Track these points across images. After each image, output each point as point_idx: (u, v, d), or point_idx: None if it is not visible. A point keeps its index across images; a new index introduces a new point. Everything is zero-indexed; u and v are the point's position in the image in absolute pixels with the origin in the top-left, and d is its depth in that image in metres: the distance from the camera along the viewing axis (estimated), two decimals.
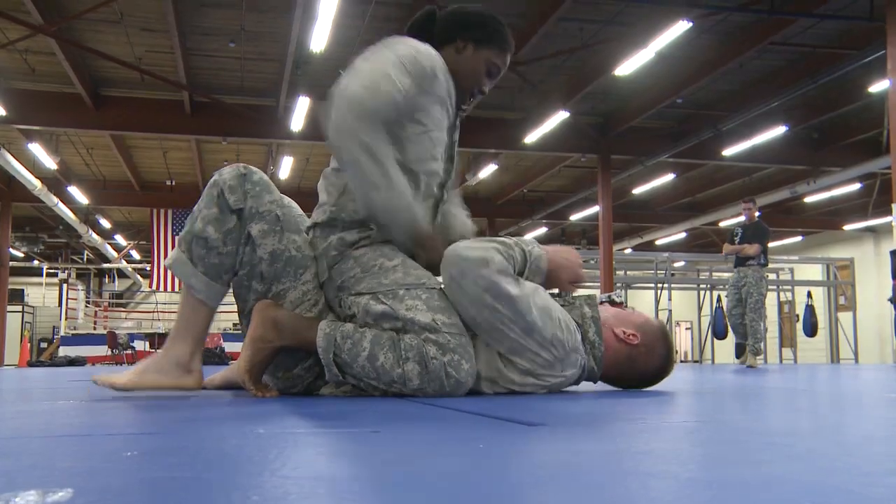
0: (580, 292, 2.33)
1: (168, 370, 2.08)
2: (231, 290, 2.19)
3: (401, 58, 2.07)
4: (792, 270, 18.00)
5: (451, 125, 2.31)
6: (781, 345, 18.11)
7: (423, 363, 1.98)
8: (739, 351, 8.84)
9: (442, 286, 2.12)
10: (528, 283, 2.08)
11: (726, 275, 16.41)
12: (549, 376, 2.07)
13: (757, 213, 9.09)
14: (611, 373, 2.27)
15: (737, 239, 8.89)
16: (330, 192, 2.21)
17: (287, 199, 2.21)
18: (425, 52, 2.13)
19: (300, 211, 2.54)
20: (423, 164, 2.19)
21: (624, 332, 2.24)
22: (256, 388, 2.07)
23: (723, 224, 21.68)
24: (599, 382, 2.31)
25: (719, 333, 15.61)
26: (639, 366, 2.27)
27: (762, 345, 9.05)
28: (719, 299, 17.28)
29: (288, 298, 2.11)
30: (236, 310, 2.24)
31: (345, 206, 2.16)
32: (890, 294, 11.05)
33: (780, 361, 17.56)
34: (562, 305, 2.17)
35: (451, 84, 2.21)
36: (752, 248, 8.74)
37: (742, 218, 9.09)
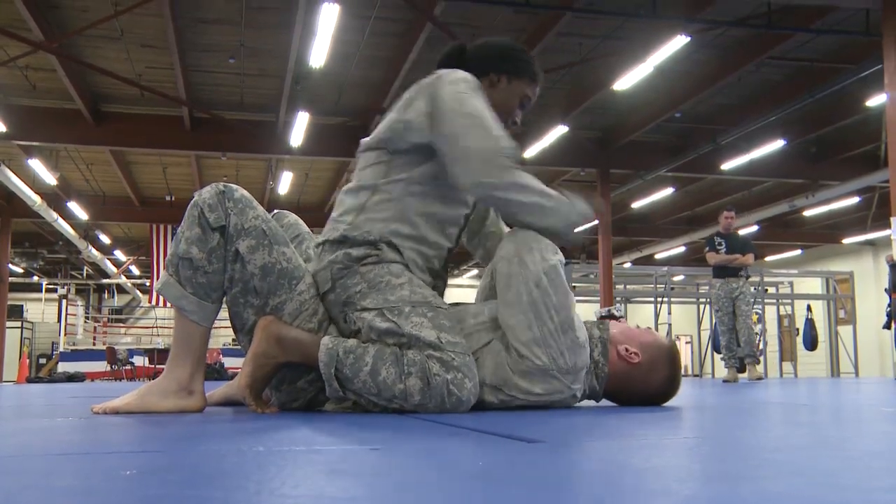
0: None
1: (169, 393, 2.07)
2: (227, 308, 2.20)
3: (475, 90, 2.18)
4: (791, 284, 17.99)
5: None
6: (782, 359, 18.08)
7: (426, 379, 1.97)
8: (740, 366, 8.59)
9: (444, 306, 2.13)
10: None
11: None
12: (558, 386, 2.06)
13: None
14: (610, 389, 2.27)
15: (721, 249, 8.59)
16: (346, 211, 2.23)
17: (267, 213, 2.21)
18: (467, 74, 2.22)
19: (294, 218, 2.54)
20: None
21: (626, 350, 2.24)
22: (257, 403, 2.07)
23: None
24: (603, 399, 2.31)
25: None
26: (637, 385, 2.26)
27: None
28: None
29: (286, 311, 2.10)
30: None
31: (359, 226, 2.18)
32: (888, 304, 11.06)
33: (781, 375, 17.53)
34: None
35: None
36: (748, 259, 8.55)
37: (718, 228, 8.79)
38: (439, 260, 2.29)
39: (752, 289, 8.89)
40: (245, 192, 2.15)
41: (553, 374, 2.05)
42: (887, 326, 11.29)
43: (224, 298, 2.15)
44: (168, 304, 18.88)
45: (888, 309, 11.26)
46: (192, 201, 2.12)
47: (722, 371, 18.48)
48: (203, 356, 2.14)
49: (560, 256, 2.10)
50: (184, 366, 2.09)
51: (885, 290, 11.22)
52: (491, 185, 2.09)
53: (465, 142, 2.10)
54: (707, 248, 8.74)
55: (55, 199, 17.44)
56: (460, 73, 2.20)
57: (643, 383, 2.26)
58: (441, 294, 2.28)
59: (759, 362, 8.48)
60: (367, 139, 2.30)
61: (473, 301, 2.41)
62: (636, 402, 2.31)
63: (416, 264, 2.20)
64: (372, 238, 2.15)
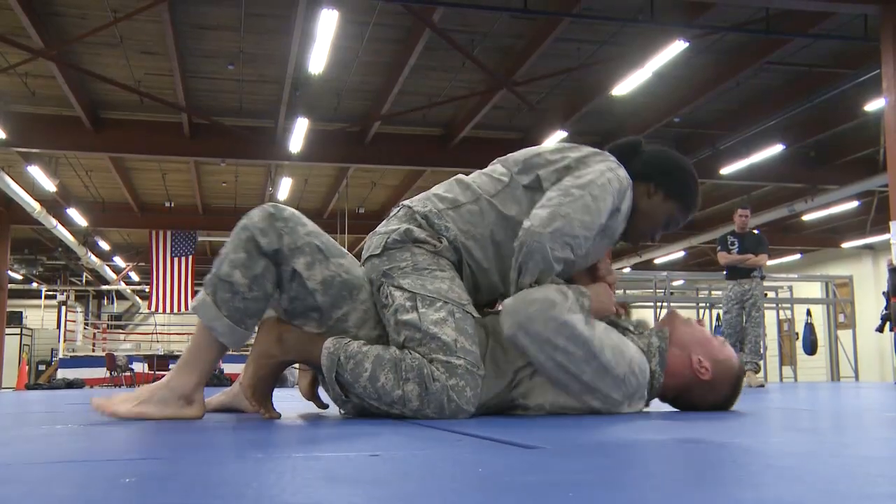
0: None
1: (170, 401, 2.06)
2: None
3: (620, 191, 2.19)
4: (791, 288, 17.98)
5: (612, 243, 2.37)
6: (781, 363, 18.06)
7: (423, 384, 1.97)
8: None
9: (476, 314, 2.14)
10: (598, 322, 2.11)
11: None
12: (620, 410, 2.10)
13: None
14: (667, 394, 2.28)
15: (734, 249, 8.19)
16: (445, 198, 2.23)
17: (318, 228, 2.18)
18: (627, 180, 2.24)
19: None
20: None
21: (700, 362, 2.23)
22: (260, 404, 2.06)
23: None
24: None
25: None
26: (694, 398, 2.28)
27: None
28: (718, 318, 17.25)
29: (350, 321, 2.09)
30: None
31: (444, 217, 2.19)
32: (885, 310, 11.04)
33: (781, 380, 17.51)
34: (632, 333, 2.21)
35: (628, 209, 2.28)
36: (762, 259, 8.14)
37: (732, 227, 8.46)
38: (488, 296, 2.29)
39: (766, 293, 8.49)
40: (293, 210, 2.13)
41: (608, 409, 2.09)
42: (880, 329, 11.26)
43: (284, 317, 2.13)
44: (168, 310, 18.79)
45: (883, 312, 11.23)
46: (240, 223, 2.09)
47: None
48: (210, 371, 2.13)
49: (566, 305, 2.04)
50: (189, 376, 2.08)
51: (884, 293, 11.19)
52: (545, 248, 2.06)
53: (571, 206, 2.10)
54: (719, 248, 8.38)
55: (54, 205, 17.43)
56: (623, 171, 2.22)
57: (700, 397, 2.27)
58: None
59: (759, 370, 8.22)
60: (509, 155, 2.32)
61: None
62: (684, 407, 2.32)
63: (468, 282, 2.20)
64: (445, 234, 2.17)
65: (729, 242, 8.28)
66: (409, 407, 1.99)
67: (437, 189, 2.30)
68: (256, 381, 2.07)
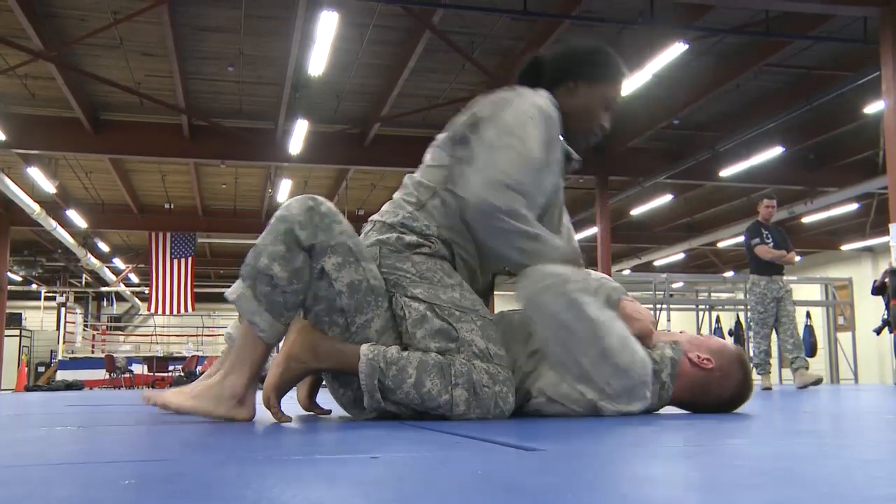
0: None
1: (223, 400, 2.03)
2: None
3: (544, 119, 2.15)
4: (790, 290, 17.99)
5: (561, 166, 2.33)
6: (781, 365, 18.06)
7: (473, 390, 1.97)
8: (760, 374, 7.63)
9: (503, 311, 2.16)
10: (609, 310, 2.09)
11: (724, 295, 16.41)
12: (612, 409, 2.06)
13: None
14: (685, 398, 2.26)
15: (769, 242, 7.64)
16: (408, 201, 2.21)
17: (351, 226, 2.15)
18: (545, 102, 2.19)
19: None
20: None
21: (699, 357, 2.23)
22: (277, 407, 2.04)
23: (721, 244, 21.70)
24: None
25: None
26: (714, 391, 2.25)
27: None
28: (718, 320, 17.23)
29: (373, 328, 2.05)
30: None
31: (418, 218, 2.17)
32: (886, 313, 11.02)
33: (780, 382, 17.51)
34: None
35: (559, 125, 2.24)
36: (793, 257, 7.70)
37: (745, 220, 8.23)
38: (485, 282, 2.29)
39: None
40: (331, 205, 2.09)
41: (604, 402, 2.04)
42: (878, 332, 11.23)
43: (305, 316, 2.10)
44: (167, 312, 18.72)
45: (884, 317, 11.20)
46: (278, 214, 2.05)
47: None
48: (260, 370, 2.09)
49: (578, 283, 2.03)
50: (241, 374, 2.04)
51: (883, 295, 11.17)
52: (494, 208, 2.04)
53: (498, 156, 2.07)
54: (755, 240, 7.72)
55: (54, 207, 17.43)
56: (539, 100, 2.17)
57: (719, 388, 2.25)
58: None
59: (808, 365, 7.55)
60: (441, 135, 2.29)
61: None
62: (712, 409, 2.29)
63: (464, 275, 2.19)
64: (429, 232, 2.14)
65: (764, 235, 7.73)
66: (455, 411, 1.97)
67: (396, 196, 2.27)
68: (282, 383, 2.03)
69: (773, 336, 7.93)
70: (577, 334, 2.01)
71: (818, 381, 7.18)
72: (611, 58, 2.36)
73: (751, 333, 7.82)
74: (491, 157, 2.09)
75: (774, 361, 18.13)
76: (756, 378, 7.54)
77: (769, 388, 7.37)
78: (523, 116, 2.12)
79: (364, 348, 2.00)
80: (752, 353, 7.95)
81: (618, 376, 2.03)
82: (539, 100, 2.18)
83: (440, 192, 2.19)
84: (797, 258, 7.81)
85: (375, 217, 2.24)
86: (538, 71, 2.34)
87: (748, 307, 7.92)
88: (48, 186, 15.62)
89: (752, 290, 7.90)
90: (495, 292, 2.49)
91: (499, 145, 2.09)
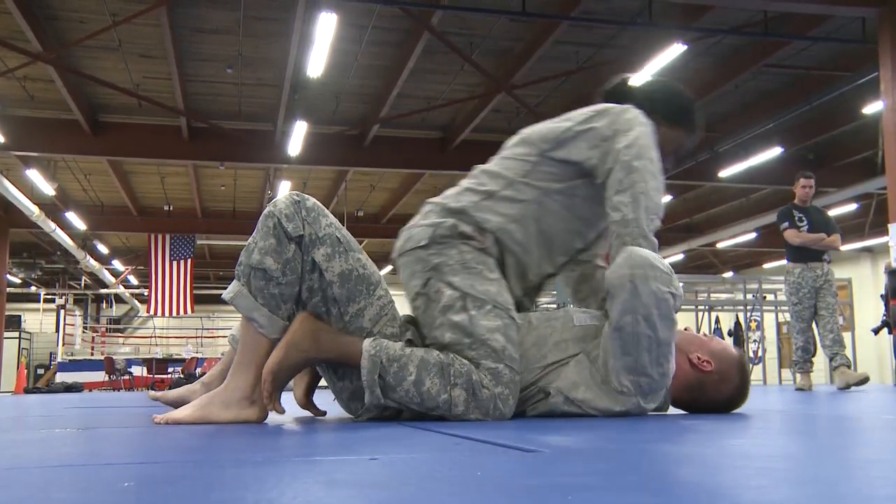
0: None
1: (231, 403, 2.04)
2: None
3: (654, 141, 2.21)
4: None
5: None
6: (780, 366, 18.07)
7: (472, 391, 1.98)
8: (799, 372, 7.18)
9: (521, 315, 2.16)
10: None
11: (724, 296, 16.40)
12: (634, 404, 2.07)
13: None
14: (682, 397, 2.28)
15: (803, 226, 6.96)
16: (476, 190, 2.24)
17: (337, 220, 2.18)
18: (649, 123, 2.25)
19: None
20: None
21: (699, 359, 2.25)
22: (271, 395, 2.02)
23: (721, 245, 21.68)
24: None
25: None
26: (709, 393, 2.28)
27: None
28: (717, 321, 17.24)
29: (366, 316, 2.08)
30: None
31: (481, 209, 2.19)
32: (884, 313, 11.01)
33: (780, 382, 17.52)
34: None
35: None
36: (836, 241, 6.93)
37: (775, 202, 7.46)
38: (537, 278, 2.29)
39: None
40: (316, 201, 2.14)
41: (634, 399, 2.07)
42: (876, 332, 11.22)
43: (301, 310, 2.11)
44: (167, 313, 18.71)
45: (883, 318, 11.19)
46: (266, 211, 2.10)
47: None
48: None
49: (675, 287, 2.04)
50: (246, 375, 2.06)
51: (882, 296, 11.17)
52: (641, 231, 2.10)
53: (644, 184, 2.11)
54: (785, 224, 7.08)
55: (53, 209, 17.42)
56: (645, 118, 2.21)
57: (715, 391, 2.28)
58: (522, 310, 2.27)
59: (850, 363, 6.92)
60: (528, 130, 2.31)
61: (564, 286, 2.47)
62: (707, 409, 2.32)
63: (514, 270, 2.21)
64: (485, 226, 2.17)
65: (797, 217, 7.05)
66: (453, 411, 1.98)
67: (467, 182, 2.29)
68: (279, 369, 2.01)
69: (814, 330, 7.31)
70: (657, 333, 2.01)
71: (864, 381, 6.52)
72: (698, 110, 2.44)
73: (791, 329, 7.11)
74: (636, 181, 2.12)
75: (773, 361, 18.17)
76: (799, 381, 7.20)
77: (803, 389, 6.86)
78: (648, 138, 2.18)
79: (367, 343, 2.00)
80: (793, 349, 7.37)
81: (660, 375, 2.06)
82: (645, 118, 2.23)
83: (518, 182, 2.22)
84: (839, 242, 6.97)
85: (437, 199, 2.27)
86: (624, 94, 2.37)
87: (787, 301, 7.20)
88: (47, 188, 15.61)
89: (785, 279, 7.32)
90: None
91: (638, 167, 2.12)
